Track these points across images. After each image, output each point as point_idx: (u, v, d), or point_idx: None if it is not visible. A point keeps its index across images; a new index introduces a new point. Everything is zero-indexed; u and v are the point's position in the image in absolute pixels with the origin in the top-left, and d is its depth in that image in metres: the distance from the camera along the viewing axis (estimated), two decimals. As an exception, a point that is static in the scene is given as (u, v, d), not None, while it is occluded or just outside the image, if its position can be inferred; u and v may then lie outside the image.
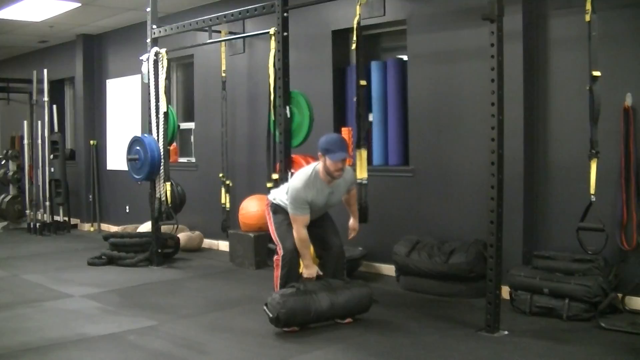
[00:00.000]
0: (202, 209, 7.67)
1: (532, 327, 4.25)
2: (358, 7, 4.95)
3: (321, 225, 4.54)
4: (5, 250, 7.77)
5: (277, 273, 4.42)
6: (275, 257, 4.49)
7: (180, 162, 8.28)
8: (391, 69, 6.09)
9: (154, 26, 6.69)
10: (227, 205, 7.10)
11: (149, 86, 6.72)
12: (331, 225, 4.63)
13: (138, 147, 6.61)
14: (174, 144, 7.67)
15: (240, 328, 4.41)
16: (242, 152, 7.30)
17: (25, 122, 9.73)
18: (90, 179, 9.64)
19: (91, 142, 9.65)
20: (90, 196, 9.60)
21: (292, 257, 4.41)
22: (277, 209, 4.53)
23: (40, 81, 9.45)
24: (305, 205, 4.30)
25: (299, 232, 4.32)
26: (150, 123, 6.74)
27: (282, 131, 5.27)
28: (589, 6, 4.10)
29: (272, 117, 5.63)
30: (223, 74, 7.16)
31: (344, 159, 4.31)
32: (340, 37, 6.38)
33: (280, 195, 4.55)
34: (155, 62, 6.62)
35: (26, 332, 4.33)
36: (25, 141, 9.71)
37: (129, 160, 6.72)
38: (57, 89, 10.48)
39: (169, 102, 6.66)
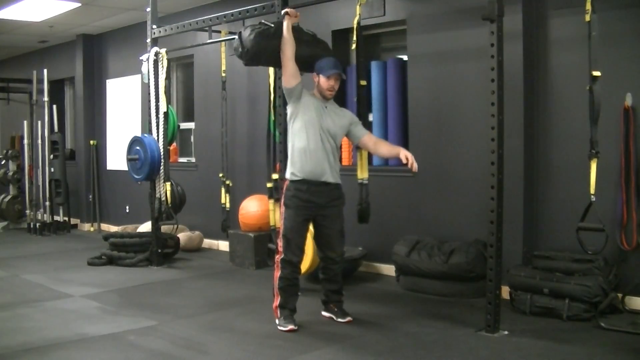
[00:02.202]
0: (202, 209, 7.67)
1: (532, 327, 4.25)
2: (358, 7, 4.95)
3: (329, 227, 4.42)
4: (5, 250, 7.77)
5: (277, 274, 4.40)
6: (276, 256, 4.46)
7: (180, 162, 8.28)
8: (391, 69, 6.09)
9: (154, 26, 6.69)
10: (227, 205, 7.10)
11: (149, 86, 6.72)
12: (339, 227, 4.48)
13: (138, 147, 6.61)
14: (174, 144, 7.67)
15: (240, 328, 4.41)
16: (242, 152, 7.31)
17: (25, 122, 9.73)
18: (90, 179, 9.64)
19: (91, 142, 9.65)
20: (90, 196, 9.60)
21: (293, 271, 4.36)
22: (287, 201, 4.36)
23: (40, 81, 9.45)
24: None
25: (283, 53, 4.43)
26: (150, 123, 6.74)
27: (282, 131, 5.27)
28: (589, 6, 4.09)
29: (272, 117, 5.63)
30: (223, 74, 7.15)
31: (335, 74, 4.35)
32: (340, 37, 6.38)
33: (288, 166, 4.44)
34: (155, 62, 6.62)
35: (26, 332, 4.33)
36: (25, 141, 9.71)
37: (129, 160, 6.72)
38: (57, 89, 10.48)
39: (169, 102, 6.66)
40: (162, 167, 6.54)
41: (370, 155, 5.97)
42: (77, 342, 4.10)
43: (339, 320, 4.47)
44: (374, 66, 6.19)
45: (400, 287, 5.45)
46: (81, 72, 9.67)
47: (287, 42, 4.41)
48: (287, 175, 4.44)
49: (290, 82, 4.37)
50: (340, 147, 4.81)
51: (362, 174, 4.91)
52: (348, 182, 4.95)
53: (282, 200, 4.43)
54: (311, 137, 4.30)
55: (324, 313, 4.61)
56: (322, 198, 4.36)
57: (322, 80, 4.37)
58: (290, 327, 4.27)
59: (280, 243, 4.40)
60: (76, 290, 5.58)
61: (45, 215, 9.26)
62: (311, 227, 4.51)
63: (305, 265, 5.01)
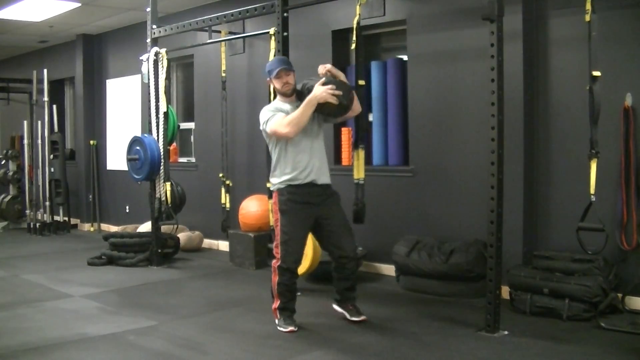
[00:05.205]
0: (202, 209, 7.67)
1: (532, 327, 4.25)
2: (358, 7, 4.95)
3: (332, 223, 4.37)
4: (5, 250, 7.77)
5: (275, 279, 4.36)
6: (273, 261, 4.40)
7: (180, 162, 8.28)
8: (391, 69, 6.08)
9: (154, 26, 6.69)
10: (227, 205, 7.10)
11: (149, 86, 6.72)
12: (343, 221, 4.42)
13: (138, 147, 6.62)
14: (174, 144, 7.67)
15: (240, 328, 4.41)
16: (242, 152, 7.30)
17: (25, 122, 9.73)
18: (90, 179, 9.64)
19: (91, 142, 9.65)
20: (90, 196, 9.60)
21: (291, 277, 4.33)
22: (283, 206, 4.32)
23: (40, 81, 9.46)
24: (280, 113, 4.27)
25: (287, 127, 4.17)
26: (150, 123, 6.74)
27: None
28: (589, 6, 4.09)
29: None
30: (223, 74, 7.16)
31: (283, 69, 4.33)
32: (340, 37, 6.38)
33: (274, 178, 4.42)
34: (155, 62, 6.63)
35: (26, 332, 4.33)
36: (25, 141, 9.71)
37: (129, 160, 6.72)
38: (57, 89, 10.48)
39: (169, 102, 6.66)
40: (162, 167, 6.54)
41: (370, 155, 5.99)
42: (77, 342, 4.10)
43: (354, 319, 4.42)
44: (374, 66, 6.19)
45: (400, 287, 5.45)
46: (81, 72, 9.66)
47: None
48: (275, 186, 4.39)
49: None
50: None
51: (359, 174, 4.90)
52: (347, 183, 4.95)
53: (276, 207, 4.37)
54: (296, 141, 4.28)
55: (336, 307, 4.54)
56: (316, 198, 4.32)
57: (275, 82, 4.38)
58: (290, 328, 4.26)
59: (277, 250, 4.34)
60: (76, 290, 5.58)
61: (45, 215, 9.26)
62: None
63: (305, 266, 5.01)
